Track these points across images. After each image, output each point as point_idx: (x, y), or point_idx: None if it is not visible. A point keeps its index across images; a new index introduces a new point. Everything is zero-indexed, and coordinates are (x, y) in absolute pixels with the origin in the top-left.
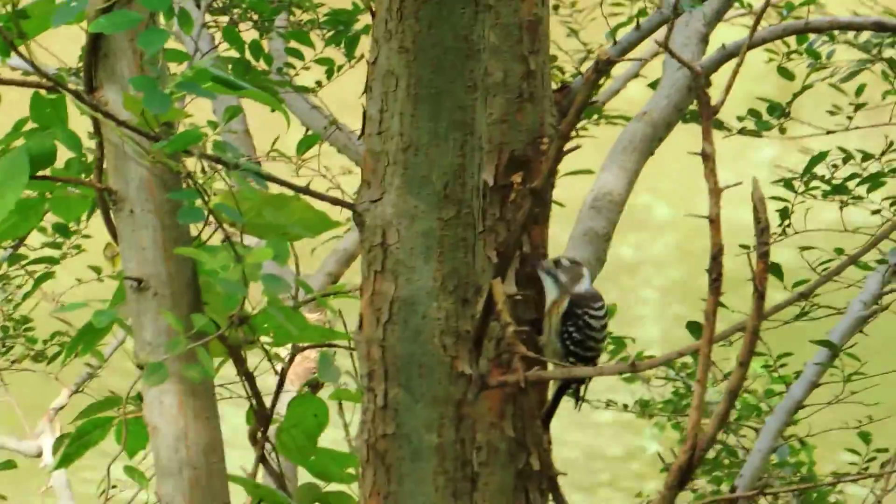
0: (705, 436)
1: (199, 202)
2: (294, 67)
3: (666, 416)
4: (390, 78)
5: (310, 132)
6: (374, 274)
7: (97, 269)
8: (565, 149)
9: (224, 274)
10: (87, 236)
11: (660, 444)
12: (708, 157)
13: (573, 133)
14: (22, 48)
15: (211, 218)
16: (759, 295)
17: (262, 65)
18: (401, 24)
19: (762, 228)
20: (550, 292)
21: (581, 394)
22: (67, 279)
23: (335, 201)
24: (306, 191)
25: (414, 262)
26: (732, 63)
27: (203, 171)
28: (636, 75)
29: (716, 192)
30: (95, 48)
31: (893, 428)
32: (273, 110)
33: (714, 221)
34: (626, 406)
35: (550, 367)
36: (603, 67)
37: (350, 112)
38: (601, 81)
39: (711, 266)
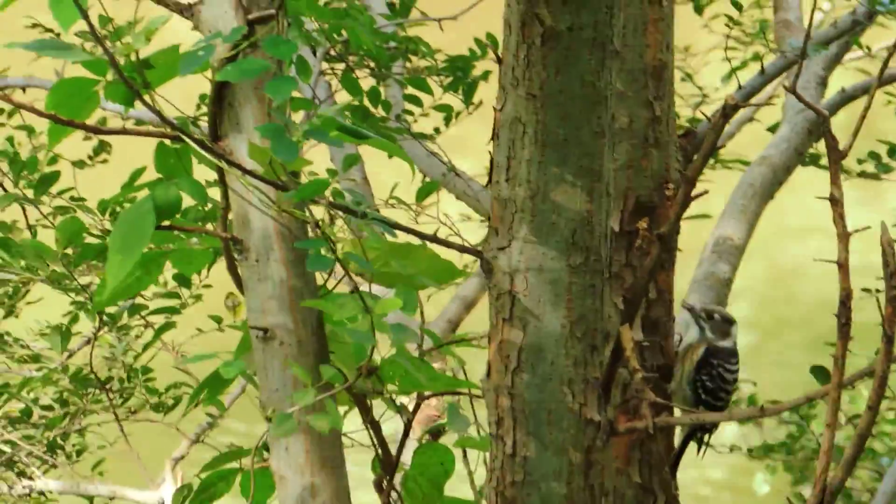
0: (835, 480)
1: (327, 251)
2: (412, 114)
3: (780, 458)
4: (517, 125)
5: (427, 179)
6: (502, 321)
7: (217, 319)
8: (692, 194)
9: (352, 325)
10: (207, 286)
11: (771, 486)
12: (836, 202)
13: None
14: (146, 98)
15: (335, 267)
16: (888, 339)
17: (379, 111)
18: (528, 71)
19: (891, 273)
20: (689, 337)
21: (706, 440)
22: (186, 329)
23: (462, 249)
24: (434, 239)
25: (542, 309)
26: (850, 106)
27: (332, 219)
28: (751, 119)
29: (844, 237)
30: (220, 97)
31: None
32: (391, 156)
33: (843, 266)
34: (750, 451)
35: (677, 412)
36: (730, 112)
37: (467, 158)
38: None
39: (840, 311)
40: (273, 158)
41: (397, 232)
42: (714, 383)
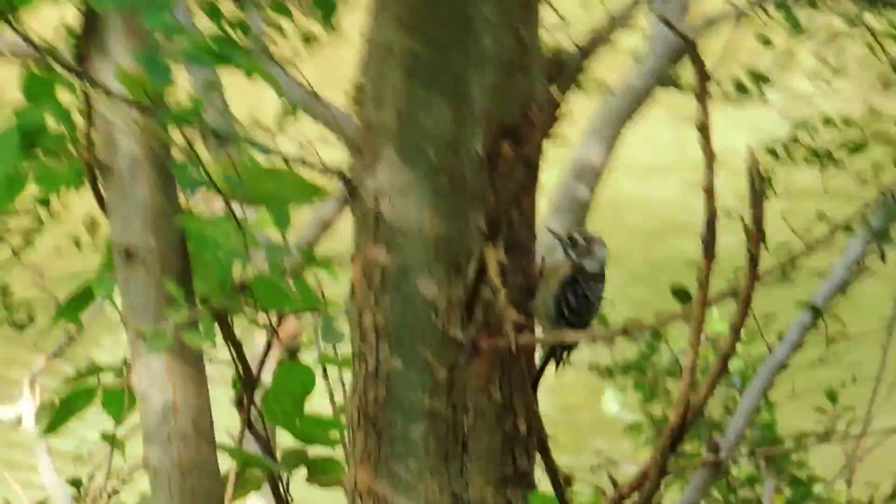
0: (696, 400)
1: (197, 172)
2: (273, 39)
3: (632, 377)
4: (386, 51)
5: (287, 103)
6: (367, 242)
7: (76, 239)
8: (556, 117)
9: (225, 242)
10: (65, 207)
11: (621, 405)
12: (704, 128)
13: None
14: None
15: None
16: (753, 260)
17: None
18: None
19: (757, 195)
20: (553, 258)
21: (565, 358)
22: (43, 247)
23: (328, 170)
24: (300, 161)
25: (406, 230)
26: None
27: (203, 140)
28: (608, 43)
29: (710, 162)
30: (87, 23)
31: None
32: (249, 74)
33: (709, 191)
34: (609, 370)
35: (539, 331)
36: (599, 39)
37: (327, 82)
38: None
39: (706, 232)
40: (139, 82)
41: (259, 155)
42: (578, 303)
